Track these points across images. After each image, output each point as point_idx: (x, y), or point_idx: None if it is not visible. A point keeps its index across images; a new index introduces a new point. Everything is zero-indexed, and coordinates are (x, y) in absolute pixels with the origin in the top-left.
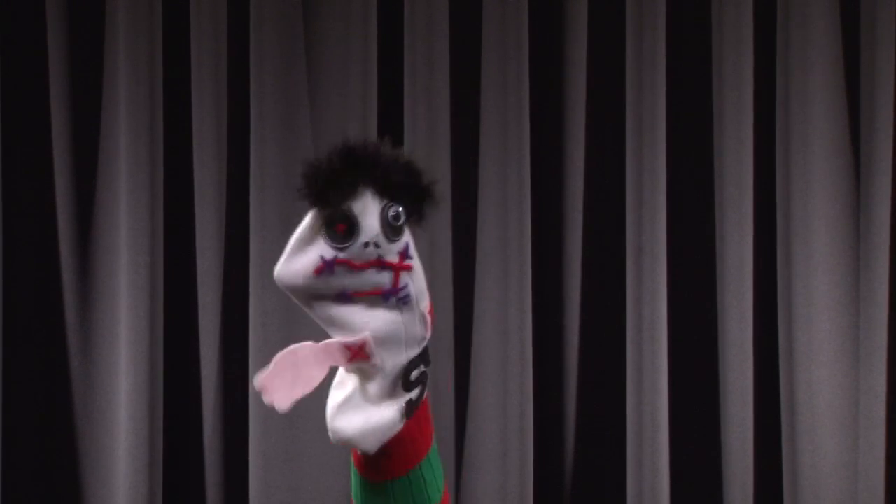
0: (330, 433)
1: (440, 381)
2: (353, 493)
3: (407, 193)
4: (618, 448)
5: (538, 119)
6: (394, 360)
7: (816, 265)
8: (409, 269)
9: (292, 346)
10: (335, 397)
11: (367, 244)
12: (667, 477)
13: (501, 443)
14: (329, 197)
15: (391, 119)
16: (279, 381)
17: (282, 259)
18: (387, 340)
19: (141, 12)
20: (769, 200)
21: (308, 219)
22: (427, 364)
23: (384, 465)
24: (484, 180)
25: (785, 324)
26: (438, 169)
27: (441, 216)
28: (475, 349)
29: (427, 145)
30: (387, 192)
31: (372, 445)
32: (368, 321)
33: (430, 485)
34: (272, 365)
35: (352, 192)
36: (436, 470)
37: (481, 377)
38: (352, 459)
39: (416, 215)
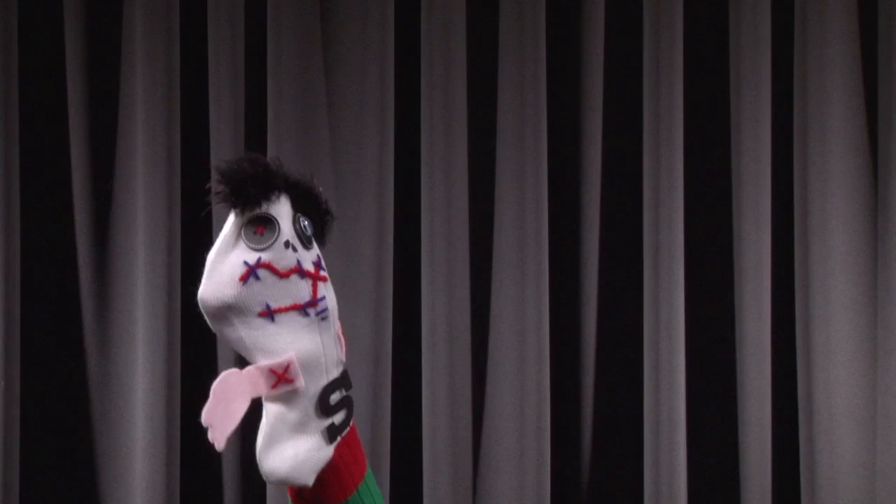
0: (264, 476)
1: (457, 380)
2: None
3: (311, 210)
4: (635, 448)
5: (555, 117)
6: (315, 384)
7: (834, 264)
8: (325, 280)
9: (223, 373)
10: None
11: (287, 243)
12: (684, 477)
13: (518, 442)
14: (249, 195)
15: (408, 118)
16: (216, 416)
17: (203, 280)
18: (308, 363)
19: (158, 12)
20: (787, 199)
21: (225, 229)
22: (348, 388)
23: (322, 495)
24: (501, 179)
25: (802, 323)
26: (455, 167)
27: (458, 214)
28: (492, 348)
29: (444, 144)
30: (295, 205)
31: (308, 478)
32: (291, 342)
33: None
34: (210, 397)
35: (271, 193)
36: (374, 495)
37: (498, 376)
38: (289, 497)
39: (318, 233)
